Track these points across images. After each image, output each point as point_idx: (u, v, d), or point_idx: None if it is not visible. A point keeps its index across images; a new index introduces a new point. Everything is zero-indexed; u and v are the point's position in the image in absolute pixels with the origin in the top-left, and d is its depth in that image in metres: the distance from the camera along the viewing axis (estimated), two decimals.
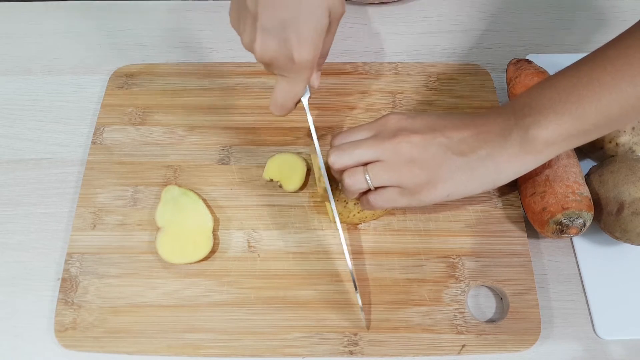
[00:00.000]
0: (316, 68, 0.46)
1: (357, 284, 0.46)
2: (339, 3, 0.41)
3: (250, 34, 0.41)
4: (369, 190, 0.45)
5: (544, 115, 0.41)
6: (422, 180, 0.43)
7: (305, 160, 0.54)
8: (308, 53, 0.40)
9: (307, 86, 0.47)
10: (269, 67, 0.44)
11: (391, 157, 0.43)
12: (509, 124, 0.42)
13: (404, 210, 0.53)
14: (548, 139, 0.41)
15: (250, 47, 0.42)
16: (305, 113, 0.48)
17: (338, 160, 0.44)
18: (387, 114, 0.46)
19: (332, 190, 0.48)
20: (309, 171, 0.54)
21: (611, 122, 0.41)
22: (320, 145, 0.48)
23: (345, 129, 0.48)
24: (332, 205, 0.47)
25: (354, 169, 0.44)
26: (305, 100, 0.48)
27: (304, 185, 0.54)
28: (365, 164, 0.44)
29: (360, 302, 0.46)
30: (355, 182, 0.44)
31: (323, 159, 0.48)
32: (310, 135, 0.47)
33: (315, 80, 0.48)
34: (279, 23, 0.40)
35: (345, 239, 0.51)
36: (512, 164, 0.43)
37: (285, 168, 0.54)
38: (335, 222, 0.47)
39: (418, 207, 0.53)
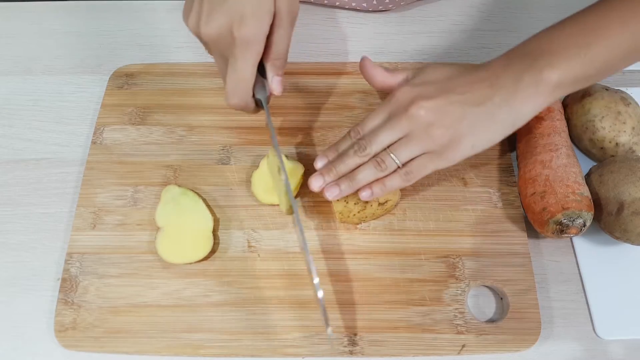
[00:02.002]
0: (274, 71, 0.47)
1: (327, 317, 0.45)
2: None
3: (197, 13, 0.43)
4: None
5: (556, 57, 0.43)
6: (445, 140, 0.44)
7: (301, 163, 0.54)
8: (248, 28, 0.42)
9: (266, 85, 0.47)
10: (216, 49, 0.45)
11: (409, 128, 0.45)
12: (521, 67, 0.44)
13: (404, 210, 0.53)
14: (560, 80, 0.43)
15: (196, 27, 0.44)
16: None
17: (371, 151, 0.45)
18: (394, 91, 0.47)
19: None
20: (304, 174, 0.54)
21: (611, 67, 0.45)
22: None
23: (358, 124, 0.48)
24: (294, 207, 0.46)
25: (382, 153, 0.45)
26: (263, 98, 0.47)
27: (298, 193, 0.54)
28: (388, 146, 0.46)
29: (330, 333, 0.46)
30: (388, 165, 0.45)
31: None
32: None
33: (275, 85, 0.47)
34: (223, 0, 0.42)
35: (346, 239, 0.51)
36: (526, 105, 0.44)
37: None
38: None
39: (418, 208, 0.53)
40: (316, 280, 0.43)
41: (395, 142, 0.45)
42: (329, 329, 0.45)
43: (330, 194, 0.46)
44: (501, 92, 0.44)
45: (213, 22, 0.42)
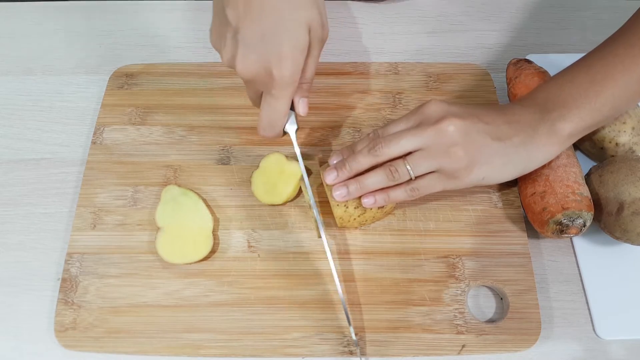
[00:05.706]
0: (300, 94, 0.47)
1: (349, 316, 0.46)
2: (319, 25, 0.43)
3: (232, 49, 0.42)
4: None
5: (567, 109, 0.45)
6: (462, 164, 0.45)
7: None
8: (287, 69, 0.41)
9: (294, 117, 0.49)
10: (251, 84, 0.46)
11: (433, 143, 0.45)
12: (535, 117, 0.46)
13: (404, 210, 0.53)
14: (572, 131, 0.46)
15: (231, 63, 0.43)
16: (301, 145, 0.49)
17: (387, 152, 0.45)
18: (424, 103, 0.47)
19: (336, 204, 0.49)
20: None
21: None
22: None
23: (380, 125, 0.49)
24: (322, 233, 0.47)
25: (396, 162, 0.46)
26: (292, 132, 0.49)
27: (298, 193, 0.54)
28: (404, 156, 0.46)
29: (354, 337, 0.46)
30: (401, 175, 0.45)
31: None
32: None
33: (302, 107, 0.48)
34: (259, 37, 0.41)
35: (346, 239, 0.51)
36: (541, 152, 0.46)
37: (276, 177, 0.53)
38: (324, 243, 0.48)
39: (418, 208, 0.53)
40: (342, 296, 0.46)
41: (412, 152, 0.45)
42: (352, 333, 0.46)
43: (338, 195, 0.47)
44: (520, 135, 0.46)
45: (250, 61, 0.41)
